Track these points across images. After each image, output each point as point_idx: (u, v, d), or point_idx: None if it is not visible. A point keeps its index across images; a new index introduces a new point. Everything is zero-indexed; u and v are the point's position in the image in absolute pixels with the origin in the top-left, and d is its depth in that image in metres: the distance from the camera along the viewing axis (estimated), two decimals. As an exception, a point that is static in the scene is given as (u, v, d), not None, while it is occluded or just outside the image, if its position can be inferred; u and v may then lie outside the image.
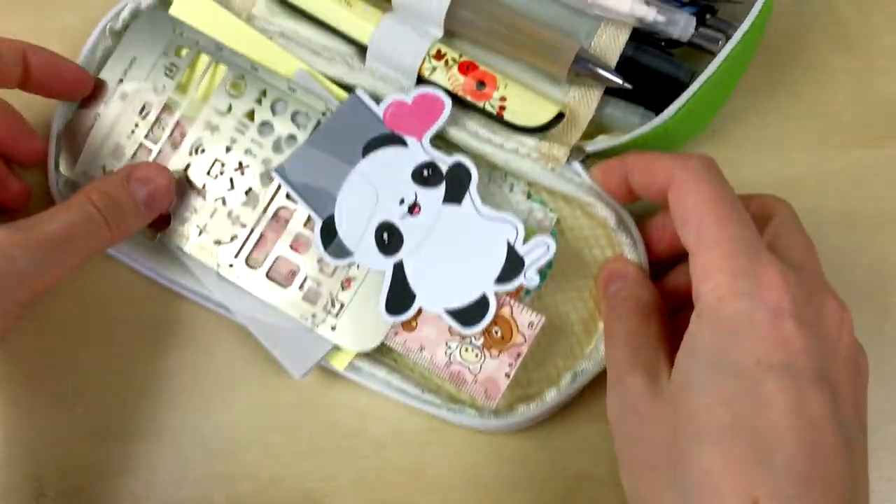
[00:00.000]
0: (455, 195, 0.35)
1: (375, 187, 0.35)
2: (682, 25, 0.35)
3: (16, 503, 0.37)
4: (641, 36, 0.37)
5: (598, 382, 0.38)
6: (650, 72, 0.37)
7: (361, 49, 0.38)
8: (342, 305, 0.36)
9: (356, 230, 0.35)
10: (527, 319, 0.35)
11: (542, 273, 0.36)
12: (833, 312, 0.30)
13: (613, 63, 0.36)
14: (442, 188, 0.35)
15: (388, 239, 0.35)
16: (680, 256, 0.34)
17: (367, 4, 0.38)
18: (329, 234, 0.35)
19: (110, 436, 0.37)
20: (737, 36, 0.35)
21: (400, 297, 0.35)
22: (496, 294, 0.35)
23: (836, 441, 0.27)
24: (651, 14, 0.35)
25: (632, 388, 0.30)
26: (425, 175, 0.35)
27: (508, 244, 0.35)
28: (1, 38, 0.34)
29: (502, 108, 0.36)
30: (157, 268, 0.37)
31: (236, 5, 0.38)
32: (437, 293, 0.35)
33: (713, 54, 0.36)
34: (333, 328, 0.36)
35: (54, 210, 0.33)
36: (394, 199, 0.35)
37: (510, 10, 0.37)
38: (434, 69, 0.37)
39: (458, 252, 0.35)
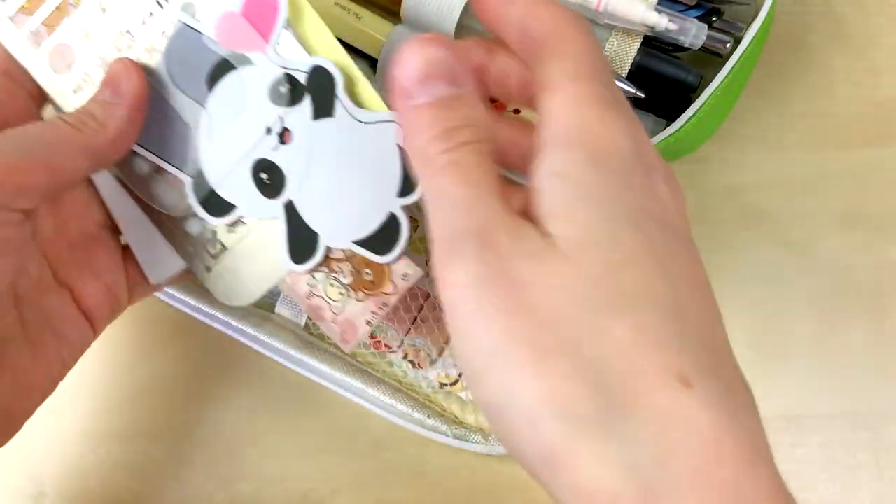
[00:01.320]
0: (324, 107, 0.29)
1: (234, 123, 0.30)
2: (694, 33, 0.35)
3: (16, 503, 0.37)
4: (648, 40, 0.36)
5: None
6: (658, 76, 0.37)
7: (372, 61, 0.37)
8: (223, 248, 0.31)
9: (230, 178, 0.30)
10: (402, 270, 0.30)
11: None
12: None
13: (625, 71, 0.36)
14: (307, 103, 0.29)
15: (270, 178, 0.30)
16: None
17: (377, 16, 0.37)
18: (204, 191, 0.30)
19: (110, 436, 0.37)
20: (748, 38, 0.35)
21: (302, 240, 0.30)
22: (404, 208, 0.29)
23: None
24: (663, 22, 0.35)
25: (503, 247, 0.21)
26: (283, 92, 0.29)
27: (400, 147, 0.29)
28: None
29: None
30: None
31: None
32: (339, 225, 0.29)
33: (720, 56, 0.36)
34: (208, 269, 0.31)
35: None
36: (258, 130, 0.30)
37: None
38: None
39: (349, 172, 0.29)
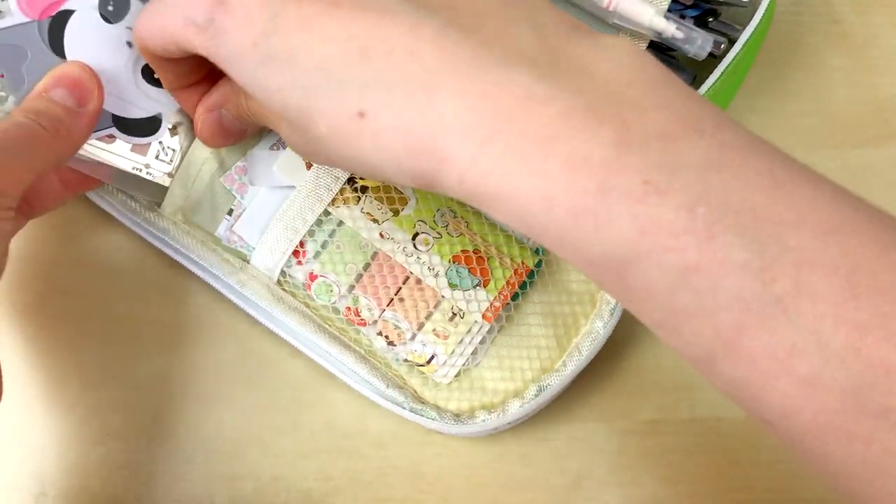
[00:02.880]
0: None
1: (102, 61, 0.34)
2: (699, 44, 0.35)
3: (16, 503, 0.37)
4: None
5: (597, 383, 0.38)
6: None
7: None
8: (174, 151, 0.36)
9: (136, 98, 0.34)
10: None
11: (523, 283, 0.36)
12: None
13: None
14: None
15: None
16: None
17: None
18: (124, 125, 0.35)
19: (110, 436, 0.37)
20: (740, 43, 0.35)
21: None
22: None
23: None
24: (670, 29, 0.35)
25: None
26: (112, 8, 0.33)
27: None
28: None
29: None
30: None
31: None
32: None
33: (715, 57, 0.36)
34: (171, 175, 0.36)
35: None
36: (124, 51, 0.34)
37: None
38: None
39: None
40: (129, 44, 0.34)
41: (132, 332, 0.38)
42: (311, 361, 0.37)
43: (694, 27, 0.35)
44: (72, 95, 0.33)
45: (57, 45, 0.33)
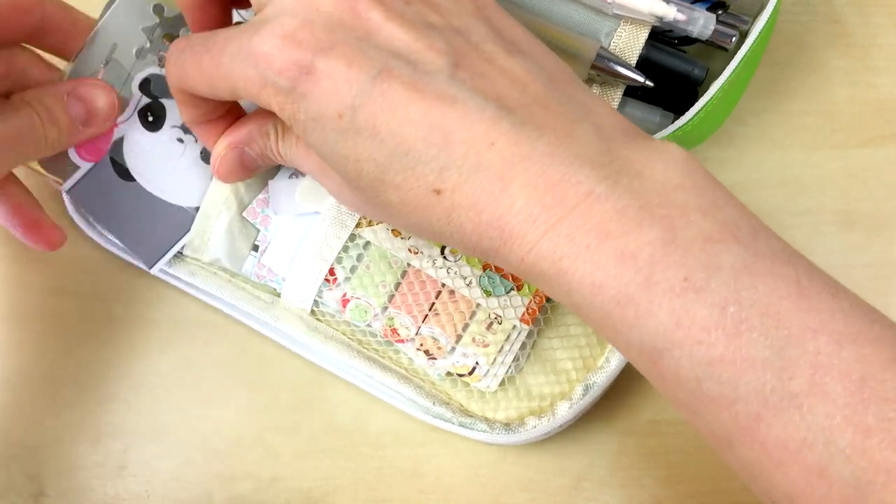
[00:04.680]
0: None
1: (169, 165, 0.36)
2: (702, 23, 0.35)
3: (16, 503, 0.37)
4: (654, 34, 0.36)
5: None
6: (664, 70, 0.37)
7: None
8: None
9: (195, 177, 0.36)
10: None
11: None
12: None
13: (633, 62, 0.36)
14: (172, 105, 0.36)
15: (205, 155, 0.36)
16: None
17: None
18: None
19: (110, 436, 0.37)
20: (757, 29, 0.35)
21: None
22: None
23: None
24: (671, 13, 0.35)
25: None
26: (150, 119, 0.36)
27: None
28: None
29: None
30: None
31: None
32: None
33: (725, 50, 0.36)
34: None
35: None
36: (177, 145, 0.36)
37: (529, 11, 0.36)
38: None
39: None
40: (180, 140, 0.36)
41: (131, 332, 0.38)
42: (310, 361, 0.37)
43: (695, 7, 0.35)
44: (84, 114, 0.34)
45: (123, 172, 0.36)
